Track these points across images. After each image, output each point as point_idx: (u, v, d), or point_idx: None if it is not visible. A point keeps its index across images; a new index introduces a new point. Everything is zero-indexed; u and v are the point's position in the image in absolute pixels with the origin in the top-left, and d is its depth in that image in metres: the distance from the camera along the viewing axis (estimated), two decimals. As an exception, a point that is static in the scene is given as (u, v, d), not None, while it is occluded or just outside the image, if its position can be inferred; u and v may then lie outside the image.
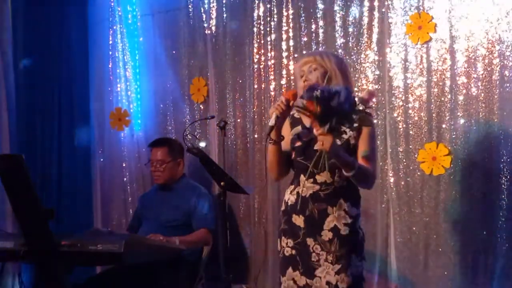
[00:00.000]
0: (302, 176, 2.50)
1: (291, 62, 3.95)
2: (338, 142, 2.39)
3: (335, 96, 2.18)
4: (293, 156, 2.56)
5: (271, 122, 2.41)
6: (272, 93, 4.02)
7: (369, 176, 2.46)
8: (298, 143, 2.53)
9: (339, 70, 2.51)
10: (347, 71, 2.59)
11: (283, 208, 2.59)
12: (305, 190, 2.47)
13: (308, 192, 2.47)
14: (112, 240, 2.68)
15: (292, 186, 2.56)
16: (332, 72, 2.49)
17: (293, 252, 2.50)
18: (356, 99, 2.35)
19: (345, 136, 2.46)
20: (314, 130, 2.33)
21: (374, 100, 2.46)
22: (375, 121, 3.57)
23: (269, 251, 4.00)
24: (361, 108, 2.35)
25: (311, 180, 2.47)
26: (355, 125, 2.44)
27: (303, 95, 2.25)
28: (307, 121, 2.53)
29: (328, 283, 2.41)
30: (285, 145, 2.55)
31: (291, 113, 2.56)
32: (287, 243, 2.52)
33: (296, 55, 3.92)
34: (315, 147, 2.32)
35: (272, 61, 4.03)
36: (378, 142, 3.54)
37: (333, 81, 2.47)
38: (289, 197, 2.55)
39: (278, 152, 2.53)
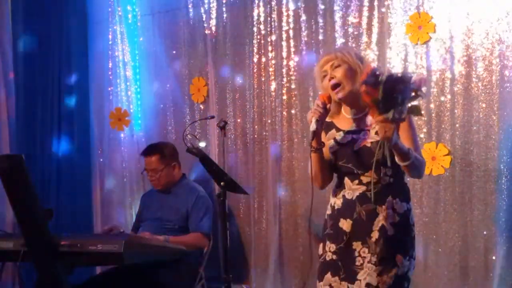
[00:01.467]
0: (346, 179, 2.42)
1: (291, 62, 3.95)
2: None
3: (400, 81, 2.06)
4: (333, 161, 2.46)
5: (312, 127, 2.31)
6: (273, 93, 4.02)
7: (422, 164, 2.37)
8: (336, 147, 2.44)
9: (361, 63, 2.42)
10: (366, 61, 2.51)
11: (329, 212, 2.50)
12: (351, 193, 2.39)
13: (355, 194, 2.38)
14: (112, 240, 2.68)
15: (338, 190, 2.46)
16: (356, 66, 2.40)
17: (334, 257, 2.41)
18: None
19: None
20: (371, 120, 2.22)
21: (424, 88, 2.28)
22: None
23: (270, 252, 4.00)
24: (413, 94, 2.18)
25: (356, 181, 2.38)
26: None
27: (367, 80, 2.11)
28: (341, 124, 2.48)
29: (368, 285, 2.32)
30: (325, 151, 2.46)
31: None
32: (329, 248, 2.44)
33: (296, 55, 3.92)
34: (379, 136, 2.19)
35: (272, 61, 4.03)
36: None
37: (358, 75, 2.38)
38: (335, 201, 2.46)
39: (321, 160, 2.43)
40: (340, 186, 2.46)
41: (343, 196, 2.42)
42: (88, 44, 4.84)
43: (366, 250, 2.35)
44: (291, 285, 3.92)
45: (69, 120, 4.81)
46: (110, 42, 4.68)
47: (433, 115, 3.45)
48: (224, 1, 4.22)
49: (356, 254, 2.37)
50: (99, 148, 4.78)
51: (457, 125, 3.39)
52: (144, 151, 3.90)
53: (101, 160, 4.77)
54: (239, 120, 4.18)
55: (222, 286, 2.95)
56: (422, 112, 2.23)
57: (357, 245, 2.37)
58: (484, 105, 3.31)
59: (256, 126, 4.10)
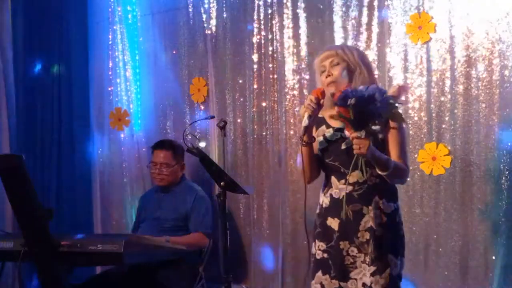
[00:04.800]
0: (333, 177, 2.44)
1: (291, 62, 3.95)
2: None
3: (370, 101, 2.11)
4: (321, 158, 2.48)
5: (305, 122, 2.33)
6: (273, 93, 4.02)
7: (403, 173, 2.40)
8: (325, 144, 2.45)
9: (363, 64, 2.44)
10: (370, 63, 2.53)
11: (317, 211, 2.52)
12: (338, 192, 2.41)
13: (341, 193, 2.38)
14: (112, 240, 2.68)
15: (326, 188, 2.48)
16: (356, 65, 2.42)
17: (325, 255, 2.44)
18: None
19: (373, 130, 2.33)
20: (348, 133, 2.27)
21: (404, 96, 2.38)
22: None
23: (270, 252, 4.00)
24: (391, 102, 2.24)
25: (343, 181, 2.39)
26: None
27: (337, 102, 2.17)
28: (332, 121, 2.47)
29: (364, 284, 2.36)
30: (314, 146, 2.48)
31: None
32: (319, 247, 2.46)
33: (296, 55, 3.92)
34: (354, 152, 2.24)
35: (272, 61, 4.02)
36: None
37: (357, 75, 2.41)
38: (323, 200, 2.48)
39: (310, 154, 2.45)
40: (327, 184, 2.48)
41: (331, 195, 2.44)
42: (88, 44, 4.84)
43: (355, 249, 2.38)
44: (291, 285, 3.92)
45: (69, 120, 4.81)
46: (110, 42, 4.68)
47: (433, 115, 3.45)
48: (224, 1, 4.22)
49: (345, 253, 2.40)
50: (99, 148, 4.78)
51: (457, 125, 3.39)
52: (158, 144, 3.90)
53: (101, 160, 4.77)
54: (239, 120, 4.18)
55: (222, 286, 2.95)
56: (404, 119, 2.37)
57: (344, 245, 2.40)
58: (484, 105, 3.31)
59: (256, 126, 4.10)
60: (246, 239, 4.13)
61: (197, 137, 4.25)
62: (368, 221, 2.36)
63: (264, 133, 4.06)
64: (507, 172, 3.22)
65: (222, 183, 2.94)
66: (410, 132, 3.50)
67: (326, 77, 2.43)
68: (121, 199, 4.65)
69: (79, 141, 4.83)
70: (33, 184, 2.58)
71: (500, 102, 3.26)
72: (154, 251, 3.00)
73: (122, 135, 4.68)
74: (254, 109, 4.10)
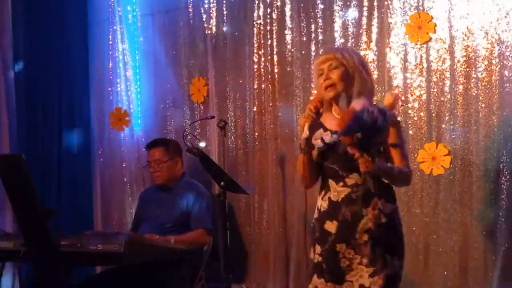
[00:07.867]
0: (331, 180, 2.42)
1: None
2: None
3: (374, 128, 2.13)
4: (319, 161, 2.47)
5: (305, 134, 2.36)
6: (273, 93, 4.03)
7: (406, 177, 2.42)
8: (323, 148, 2.43)
9: (363, 69, 2.43)
10: (369, 68, 2.53)
11: (316, 215, 2.50)
12: (336, 195, 2.39)
13: (340, 196, 2.38)
14: (112, 240, 2.68)
15: (323, 192, 2.47)
16: (355, 70, 2.41)
17: (320, 259, 2.43)
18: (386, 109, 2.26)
19: None
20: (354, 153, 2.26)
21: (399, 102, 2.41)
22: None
23: (270, 252, 4.00)
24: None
25: (341, 183, 2.38)
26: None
27: (342, 131, 2.16)
28: (329, 123, 2.45)
29: (361, 286, 2.34)
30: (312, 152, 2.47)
31: None
32: (317, 250, 2.46)
33: (295, 55, 3.92)
34: (360, 169, 2.25)
35: (273, 61, 4.02)
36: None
37: (356, 79, 2.40)
38: (321, 203, 2.46)
39: (309, 161, 2.45)
40: (324, 187, 2.46)
41: (329, 198, 2.43)
42: (88, 44, 4.84)
43: (352, 251, 2.36)
44: (292, 285, 3.92)
45: (69, 120, 4.81)
46: (110, 42, 4.68)
47: (433, 115, 3.45)
48: (224, 1, 4.22)
49: (341, 256, 2.38)
50: (99, 148, 4.78)
51: (457, 125, 3.39)
52: (150, 143, 3.93)
53: (101, 160, 4.77)
54: (239, 120, 4.18)
55: (222, 286, 2.95)
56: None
57: (340, 247, 2.38)
58: (484, 105, 3.31)
59: (256, 126, 4.10)
60: (246, 239, 4.13)
61: (197, 137, 4.25)
62: (366, 222, 2.35)
63: (264, 133, 4.06)
64: (507, 172, 3.22)
65: (222, 183, 2.95)
66: (410, 132, 3.50)
67: (324, 80, 2.43)
68: (121, 199, 4.65)
69: (79, 141, 4.82)
70: (33, 184, 2.58)
71: (499, 102, 3.26)
72: (154, 251, 3.00)
73: (122, 135, 4.68)
74: (254, 109, 4.10)
